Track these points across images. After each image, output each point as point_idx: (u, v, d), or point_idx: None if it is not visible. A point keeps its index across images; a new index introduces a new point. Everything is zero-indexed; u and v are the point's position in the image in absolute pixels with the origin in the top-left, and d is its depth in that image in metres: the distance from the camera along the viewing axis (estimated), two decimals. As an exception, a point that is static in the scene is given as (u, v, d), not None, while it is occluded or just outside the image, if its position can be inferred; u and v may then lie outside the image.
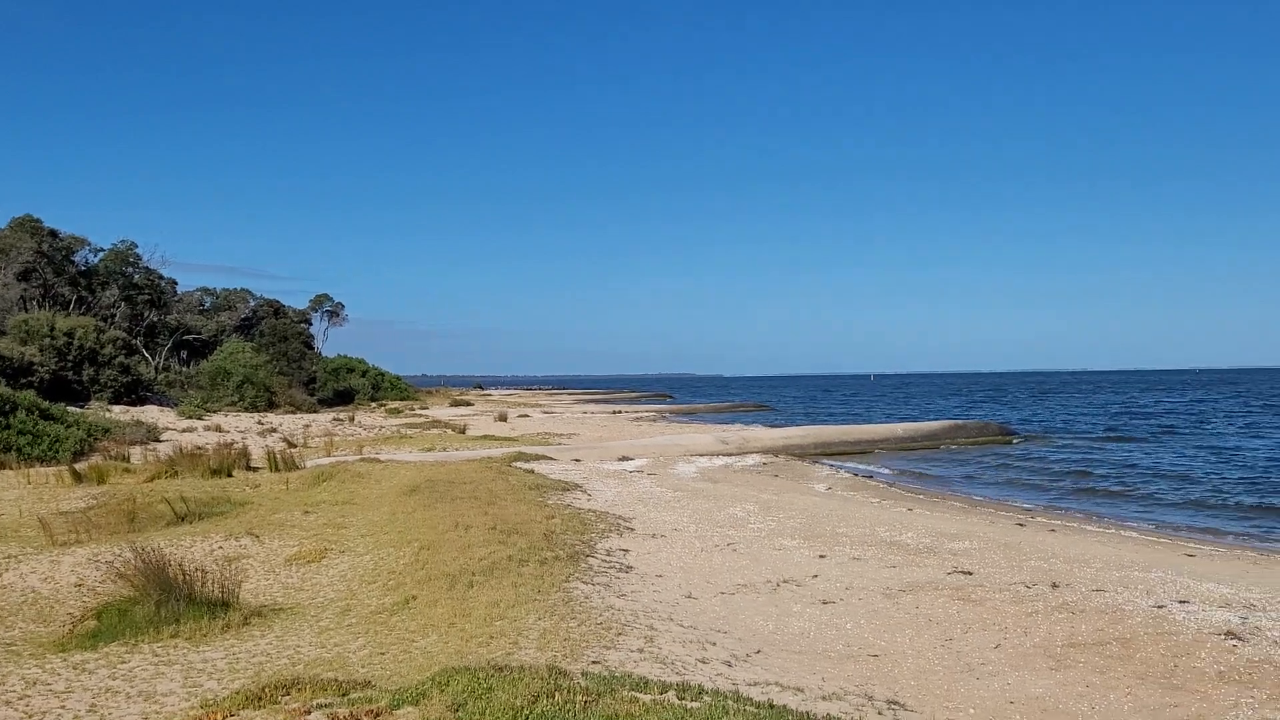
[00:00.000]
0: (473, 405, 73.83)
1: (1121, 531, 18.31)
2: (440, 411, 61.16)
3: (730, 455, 30.98)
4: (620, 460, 27.15)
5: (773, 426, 46.52)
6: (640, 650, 7.64)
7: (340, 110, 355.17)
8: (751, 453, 32.05)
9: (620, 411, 68.82)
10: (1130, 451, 35.61)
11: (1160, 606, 10.12)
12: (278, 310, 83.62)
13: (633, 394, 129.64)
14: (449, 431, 39.00)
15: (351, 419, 47.10)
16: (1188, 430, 46.08)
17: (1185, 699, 7.33)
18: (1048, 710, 7.13)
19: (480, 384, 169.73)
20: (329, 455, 26.56)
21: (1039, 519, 19.75)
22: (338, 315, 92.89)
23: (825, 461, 31.87)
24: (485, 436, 36.74)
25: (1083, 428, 49.14)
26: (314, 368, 69.01)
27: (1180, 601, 10.36)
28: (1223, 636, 8.88)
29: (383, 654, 7.71)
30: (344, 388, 69.14)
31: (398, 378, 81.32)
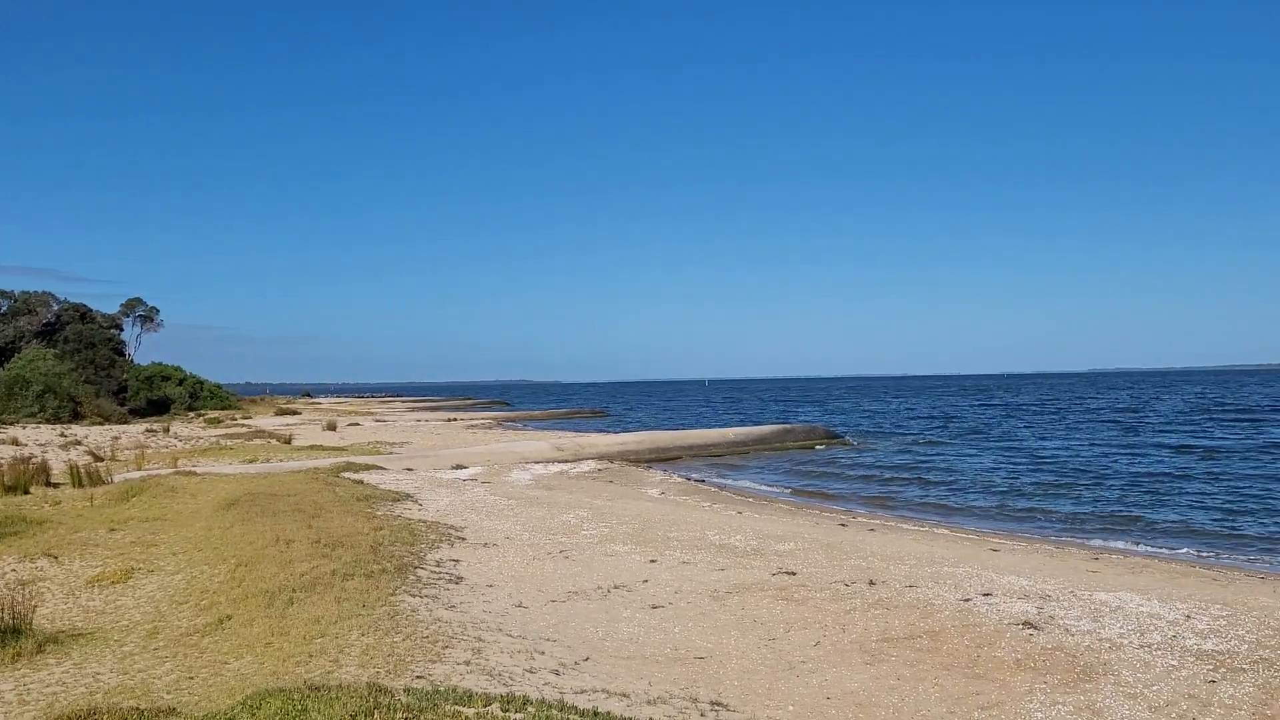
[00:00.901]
0: (300, 414, 71.23)
1: (935, 529, 19.28)
2: (264, 421, 58.73)
3: (566, 462, 30.99)
4: (454, 469, 26.74)
5: (609, 433, 46.81)
6: (467, 663, 7.53)
7: (152, 101, 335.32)
8: (587, 459, 32.16)
9: (455, 419, 67.81)
10: (945, 453, 37.58)
11: (966, 600, 10.70)
12: (84, 315, 78.33)
13: (469, 401, 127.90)
14: (273, 442, 37.50)
15: (166, 430, 44.65)
16: (996, 434, 49.03)
17: (986, 687, 7.78)
18: (861, 704, 7.42)
19: (309, 392, 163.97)
20: (140, 469, 25.09)
21: (860, 519, 20.58)
22: (152, 320, 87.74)
23: (659, 467, 32.29)
24: (312, 446, 35.50)
25: (905, 431, 51.54)
26: (125, 376, 65.16)
27: (984, 595, 10.99)
28: (1021, 627, 9.47)
29: (191, 678, 7.32)
30: (158, 397, 65.53)
31: (218, 386, 77.74)
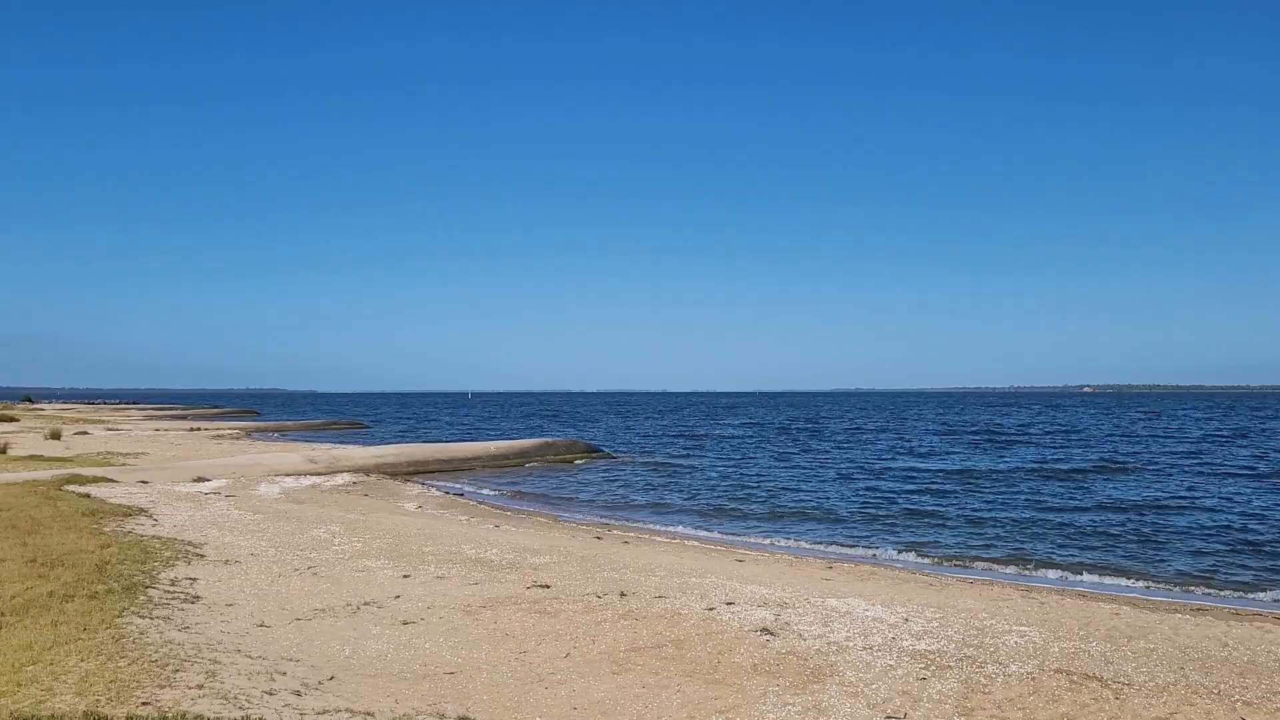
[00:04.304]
0: (18, 421, 64.80)
1: (685, 542, 20.03)
2: (-25, 428, 53.05)
3: (319, 475, 29.87)
4: (195, 481, 25.19)
5: (367, 445, 45.51)
6: (200, 686, 7.16)
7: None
8: (342, 472, 31.13)
9: (199, 429, 63.74)
10: (699, 468, 39.04)
11: (711, 609, 11.21)
12: None
13: (215, 410, 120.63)
14: (-15, 451, 33.93)
15: None
16: (747, 448, 51.45)
17: (725, 692, 8.19)
18: (607, 712, 7.64)
19: (30, 396, 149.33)
20: None
21: (615, 532, 21.06)
22: None
23: (418, 480, 31.73)
24: (32, 457, 32.40)
25: (663, 446, 53.09)
26: None
27: (728, 603, 11.55)
28: (759, 633, 10.03)
29: (-125, 715, 6.56)
30: None
31: (-81, 388, 69.56)
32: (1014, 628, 10.69)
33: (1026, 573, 17.15)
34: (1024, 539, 20.61)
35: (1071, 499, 27.52)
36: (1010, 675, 8.71)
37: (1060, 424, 79.18)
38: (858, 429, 73.47)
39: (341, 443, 50.15)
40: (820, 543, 20.44)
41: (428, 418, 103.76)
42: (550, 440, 45.26)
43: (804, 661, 9.04)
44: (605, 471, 37.02)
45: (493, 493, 29.22)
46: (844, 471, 37.11)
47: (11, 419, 67.20)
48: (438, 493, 28.10)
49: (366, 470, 32.35)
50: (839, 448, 51.52)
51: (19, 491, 18.95)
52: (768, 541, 20.62)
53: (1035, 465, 39.11)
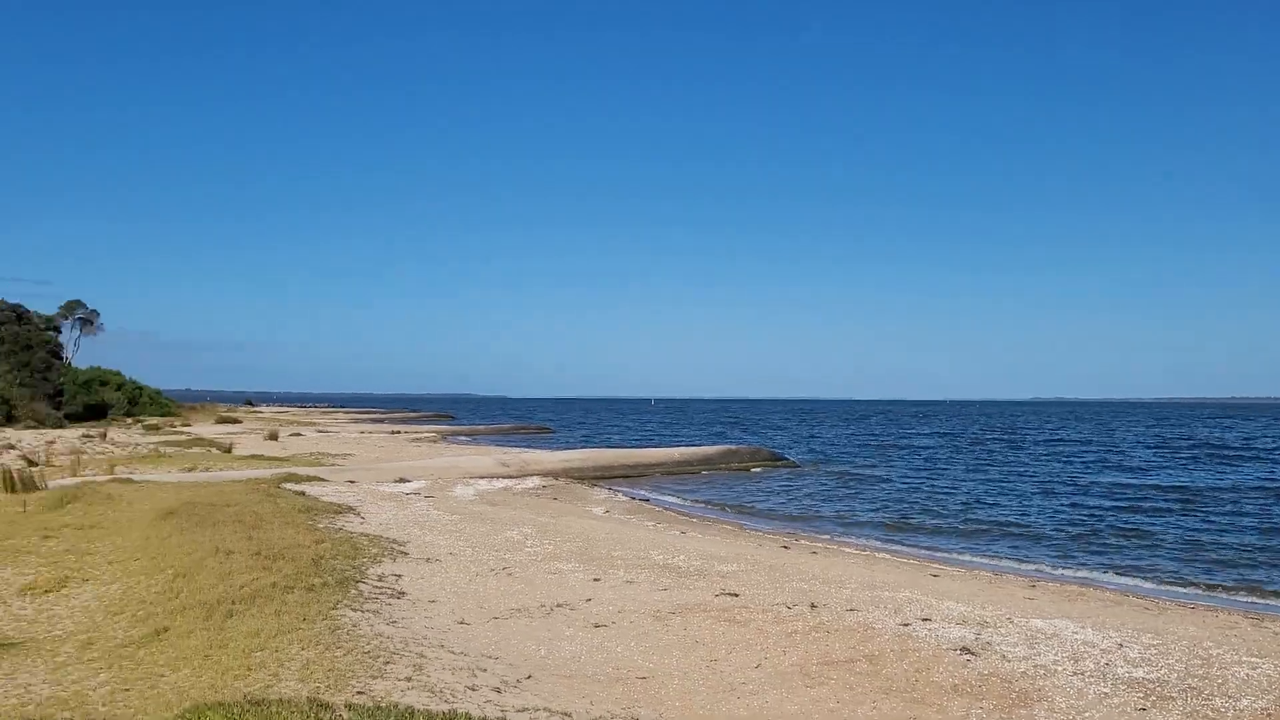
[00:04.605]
0: (241, 423, 70.05)
1: (876, 554, 19.53)
2: (205, 429, 57.71)
3: (510, 478, 30.87)
4: (397, 482, 26.51)
5: (555, 449, 46.68)
6: (408, 679, 7.50)
7: (97, 99, 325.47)
8: (531, 475, 32.06)
9: (399, 432, 67.14)
10: (888, 479, 38.05)
11: (906, 625, 10.87)
12: (21, 316, 76.45)
13: (413, 414, 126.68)
14: (213, 450, 36.84)
15: (104, 435, 43.69)
16: (936, 459, 49.79)
17: (924, 711, 7.91)
18: (801, 726, 7.52)
19: (251, 400, 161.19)
20: (75, 475, 24.53)
21: (802, 542, 20.77)
22: (91, 324, 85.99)
23: (604, 485, 32.28)
24: (254, 456, 34.96)
25: (849, 455, 52.09)
26: (61, 380, 63.65)
27: (923, 619, 11.17)
28: (958, 652, 9.65)
29: (127, 690, 7.19)
30: (96, 402, 64.05)
31: (157, 392, 76.26)
32: (1244, 659, 9.85)
33: (1257, 600, 15.79)
34: (1252, 564, 19.02)
35: (1306, 520, 25.21)
36: (1242, 711, 8.03)
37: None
38: (1059, 440, 69.88)
39: (530, 447, 51.65)
40: (1020, 560, 19.49)
41: (611, 423, 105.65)
42: (734, 447, 45.19)
43: (1009, 684, 8.62)
44: (789, 480, 36.62)
45: (677, 499, 29.38)
46: (1044, 485, 35.30)
47: (236, 420, 72.76)
48: (624, 498, 28.50)
49: (555, 474, 33.19)
50: (1038, 460, 49.12)
51: (244, 489, 20.44)
52: (964, 557, 19.82)
53: (1264, 483, 36.03)
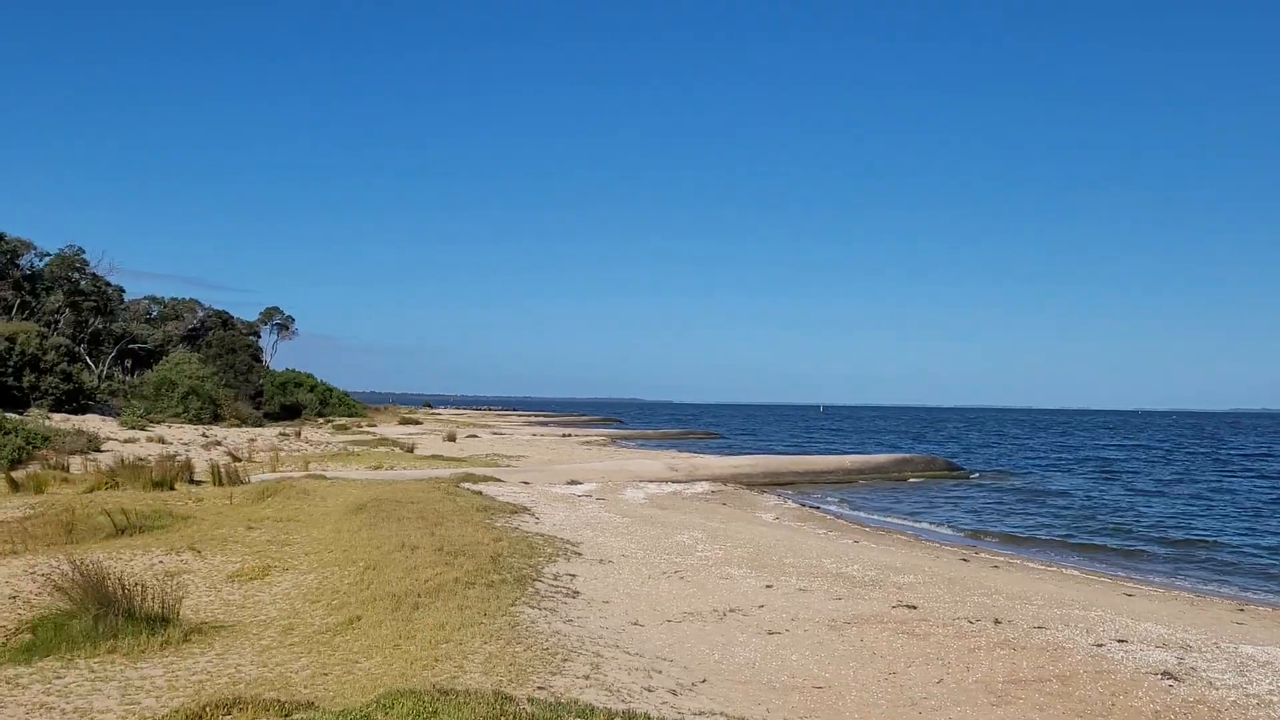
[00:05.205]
0: (421, 424, 73.11)
1: (1063, 569, 18.59)
2: (388, 429, 60.52)
3: (679, 482, 31.01)
4: (569, 484, 27.05)
5: (722, 454, 46.65)
6: (586, 677, 7.61)
7: (294, 116, 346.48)
8: (700, 480, 32.11)
9: (570, 435, 68.59)
10: (1071, 491, 36.22)
11: (1099, 645, 10.29)
12: (226, 321, 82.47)
13: (582, 417, 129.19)
14: (396, 450, 38.59)
15: (298, 434, 46.45)
16: (1126, 472, 47.04)
17: (1121, 737, 7.46)
18: (988, 746, 7.21)
19: (429, 403, 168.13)
20: (274, 471, 26.16)
21: (983, 555, 19.99)
22: (287, 329, 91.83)
23: (773, 491, 32.00)
24: (433, 456, 36.42)
25: (1028, 466, 49.90)
26: (261, 381, 68.09)
27: (1119, 640, 10.54)
28: (1159, 676, 9.05)
29: (326, 674, 7.59)
30: (291, 402, 68.19)
31: (345, 394, 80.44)
32: None
33: None
34: None
35: None
36: None
37: None
38: (1266, 455, 64.86)
39: (697, 451, 51.75)
40: (1222, 582, 18.15)
41: (776, 430, 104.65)
42: (907, 456, 44.01)
43: (1217, 713, 8.03)
44: (967, 491, 35.34)
45: (848, 508, 28.82)
46: (1250, 504, 32.83)
47: (416, 421, 76.01)
48: (793, 505, 28.18)
49: (723, 479, 33.13)
50: (1242, 476, 45.73)
51: (425, 487, 21.31)
52: (1159, 577, 18.60)
53: None
